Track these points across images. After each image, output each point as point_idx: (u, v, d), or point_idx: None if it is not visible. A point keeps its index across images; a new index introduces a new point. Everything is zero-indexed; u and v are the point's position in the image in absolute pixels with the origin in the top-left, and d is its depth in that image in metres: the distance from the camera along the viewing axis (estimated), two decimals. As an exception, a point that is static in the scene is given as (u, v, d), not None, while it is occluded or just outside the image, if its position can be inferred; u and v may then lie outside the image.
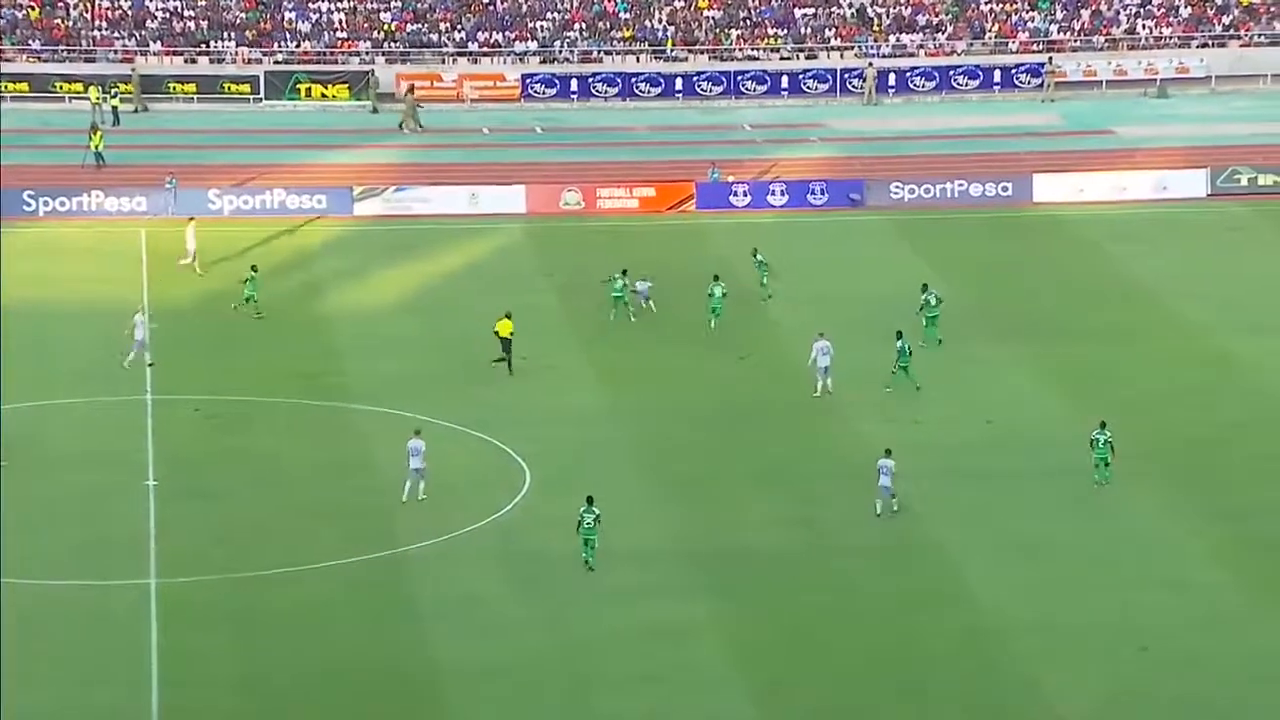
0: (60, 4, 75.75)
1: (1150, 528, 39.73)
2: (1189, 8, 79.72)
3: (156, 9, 76.35)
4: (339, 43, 76.72)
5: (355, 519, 40.33)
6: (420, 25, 77.51)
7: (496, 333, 48.14)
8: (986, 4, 79.74)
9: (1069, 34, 78.90)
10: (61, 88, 72.42)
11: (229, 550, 38.76)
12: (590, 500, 38.01)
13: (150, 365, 47.50)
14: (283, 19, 77.02)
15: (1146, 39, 78.95)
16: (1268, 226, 60.80)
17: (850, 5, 79.38)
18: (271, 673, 34.49)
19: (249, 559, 38.29)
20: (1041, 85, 76.41)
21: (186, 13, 76.51)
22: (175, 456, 43.03)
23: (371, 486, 41.81)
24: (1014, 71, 76.90)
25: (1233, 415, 43.01)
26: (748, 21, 78.57)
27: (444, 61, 76.53)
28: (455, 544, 39.15)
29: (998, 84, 76.69)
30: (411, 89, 71.59)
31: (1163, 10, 79.64)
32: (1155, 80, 77.19)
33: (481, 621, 36.11)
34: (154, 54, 75.03)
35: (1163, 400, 46.12)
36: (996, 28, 78.93)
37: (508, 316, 48.35)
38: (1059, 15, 79.45)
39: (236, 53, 75.66)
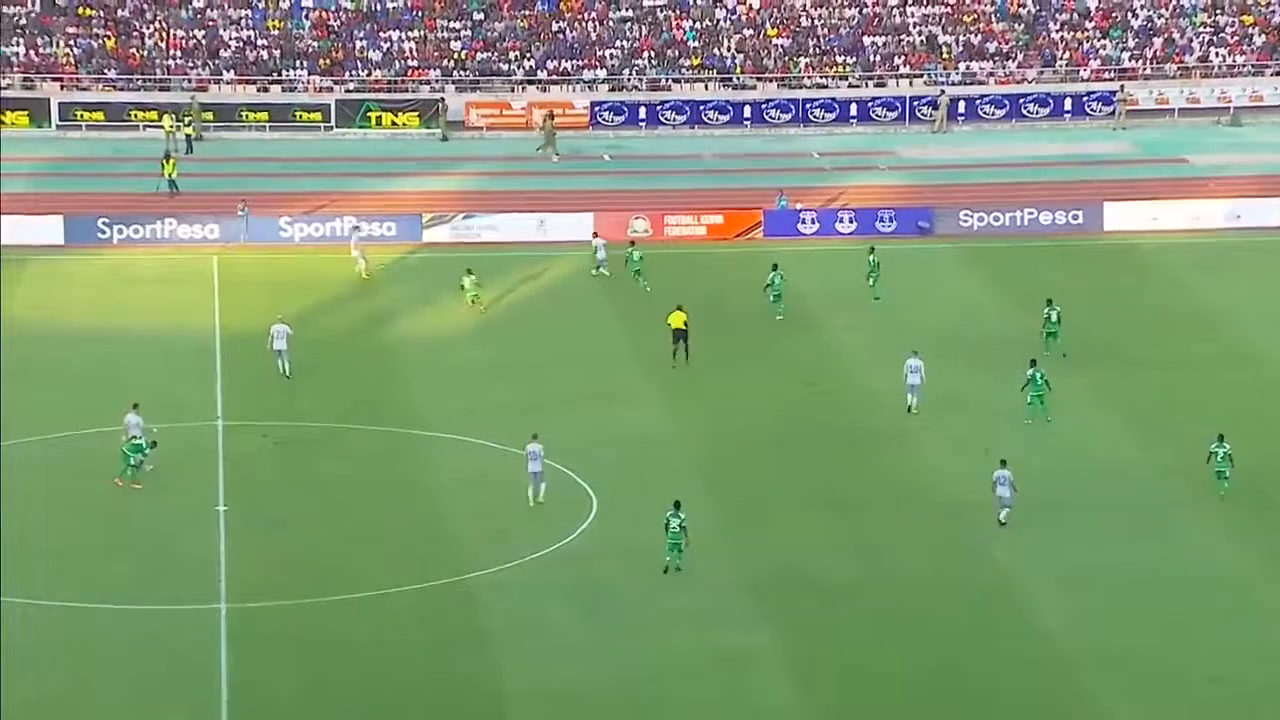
0: (136, 34, 76.73)
1: (1221, 558, 39.30)
2: (1263, 36, 79.07)
3: (230, 38, 77.20)
4: (409, 71, 77.29)
5: (422, 545, 40.47)
6: (490, 54, 77.97)
7: (669, 324, 49.71)
8: (1057, 32, 79.41)
9: (1141, 62, 78.44)
10: (136, 116, 73.29)
11: (297, 577, 38.97)
12: (677, 505, 38.25)
13: (288, 377, 48.34)
14: (354, 48, 77.69)
15: (1220, 67, 78.37)
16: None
17: (920, 33, 79.26)
18: (338, 700, 34.62)
19: (317, 585, 38.48)
20: (1113, 113, 75.96)
21: (259, 42, 77.31)
22: (245, 483, 43.33)
23: (437, 512, 41.95)
24: (1085, 99, 76.50)
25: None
26: (817, 49, 78.58)
27: (513, 90, 76.95)
28: (521, 571, 39.20)
29: (1068, 112, 76.30)
30: (550, 115, 72.13)
31: (1236, 38, 79.03)
32: (1229, 108, 76.58)
33: (547, 648, 36.13)
34: (227, 83, 75.85)
35: (1234, 430, 45.61)
36: (1068, 55, 78.57)
37: (679, 309, 49.79)
38: (1131, 43, 79.00)
39: (308, 81, 76.34)
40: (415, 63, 77.54)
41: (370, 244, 61.49)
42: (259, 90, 75.97)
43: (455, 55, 77.72)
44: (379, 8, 78.81)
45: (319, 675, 35.29)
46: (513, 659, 35.70)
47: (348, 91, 76.08)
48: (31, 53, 75.04)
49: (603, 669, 35.32)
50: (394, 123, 74.78)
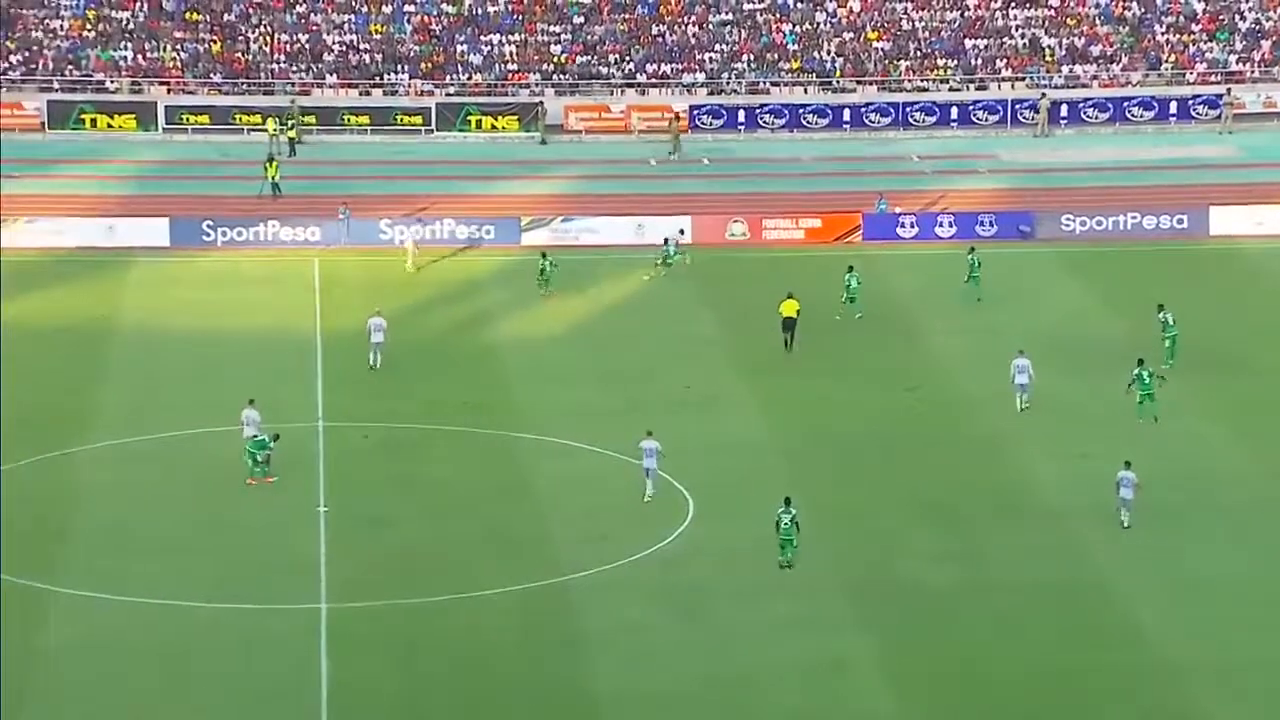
0: (241, 38, 77.64)
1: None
2: (1373, 36, 77.78)
3: (333, 42, 77.93)
4: (509, 75, 77.66)
5: (521, 547, 40.63)
6: (589, 57, 78.18)
7: (781, 313, 50.64)
8: (1163, 34, 78.47)
9: (1248, 65, 77.32)
10: (240, 120, 74.12)
11: (397, 577, 39.23)
12: (788, 501, 38.22)
13: (376, 369, 49.33)
14: (455, 51, 78.17)
15: (1329, 69, 77.17)
16: None
17: (1022, 36, 78.59)
18: (437, 700, 34.82)
19: (417, 586, 38.73)
20: (1219, 117, 74.95)
21: (362, 46, 77.98)
22: (346, 483, 43.69)
23: (537, 514, 42.10)
24: (1190, 102, 75.54)
25: None
26: (918, 53, 78.14)
27: (612, 93, 77.10)
28: (619, 573, 39.26)
29: (1173, 115, 75.38)
30: (677, 117, 72.60)
31: (1346, 39, 77.79)
32: (1338, 111, 75.37)
33: (643, 651, 36.16)
34: (329, 86, 76.56)
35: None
36: (1173, 58, 77.61)
37: (791, 296, 50.85)
38: (1238, 46, 77.91)
39: (409, 85, 76.91)
40: (515, 66, 77.88)
41: (470, 245, 61.89)
42: (361, 94, 76.60)
43: (555, 59, 77.99)
44: (480, 11, 79.24)
45: (418, 675, 35.50)
46: (608, 661, 35.76)
47: (448, 95, 76.54)
48: (139, 57, 76.12)
49: (698, 672, 35.30)
50: (493, 126, 75.14)
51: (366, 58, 77.65)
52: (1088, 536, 40.10)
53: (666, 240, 59.07)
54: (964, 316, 54.37)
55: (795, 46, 78.41)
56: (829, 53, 78.23)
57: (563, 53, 78.10)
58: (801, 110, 75.76)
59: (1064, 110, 75.35)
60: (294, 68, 76.95)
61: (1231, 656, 35.09)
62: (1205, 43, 78.13)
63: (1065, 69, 77.40)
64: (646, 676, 35.29)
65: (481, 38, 78.58)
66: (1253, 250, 60.64)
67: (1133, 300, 55.18)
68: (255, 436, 43.40)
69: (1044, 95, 75.31)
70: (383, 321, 50.44)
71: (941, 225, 62.98)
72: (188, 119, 74.10)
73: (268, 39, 77.58)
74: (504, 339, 53.85)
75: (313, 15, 78.35)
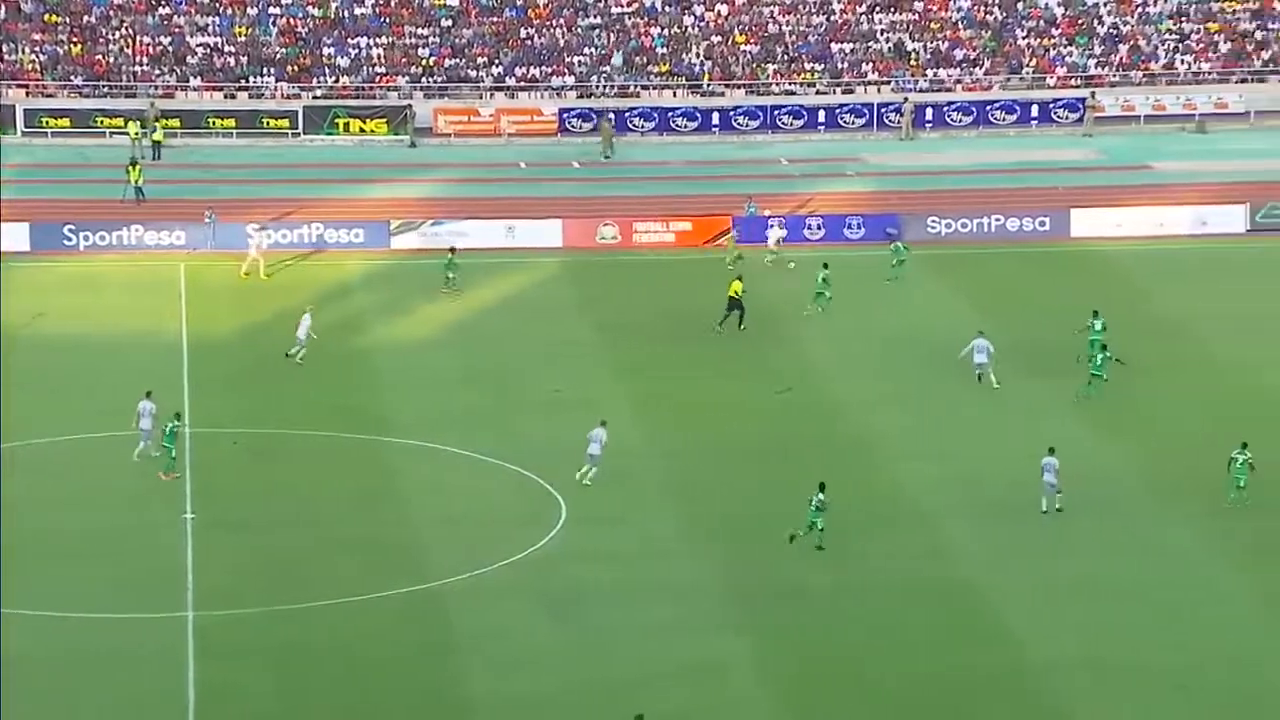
0: (102, 40, 76.39)
1: (1190, 565, 39.41)
2: (1228, 43, 79.51)
3: (197, 45, 76.94)
4: (377, 78, 77.15)
5: (392, 551, 40.34)
6: (458, 60, 77.89)
7: (729, 293, 52.23)
8: (1024, 39, 79.71)
9: (1107, 69, 78.77)
10: (102, 123, 72.95)
11: (266, 584, 38.79)
12: (822, 486, 39.26)
13: (299, 363, 49.76)
14: (322, 54, 77.51)
15: (1185, 74, 78.76)
16: (1308, 262, 60.47)
17: (888, 40, 79.48)
18: (308, 708, 34.46)
19: (286, 592, 38.31)
20: (1080, 120, 76.27)
21: (226, 48, 77.07)
22: (213, 489, 43.13)
23: (408, 519, 41.83)
24: (1051, 106, 76.80)
25: (1274, 453, 42.62)
26: (785, 56, 78.73)
27: (481, 96, 76.88)
28: (491, 578, 39.11)
29: (1035, 119, 76.59)
30: (609, 119, 72.54)
31: (1201, 46, 79.46)
32: (1194, 115, 76.96)
33: (518, 656, 36.04)
34: (194, 89, 75.58)
35: (1203, 437, 45.80)
36: (1034, 63, 78.86)
37: (739, 279, 52.17)
38: (1097, 50, 79.35)
39: (276, 88, 76.15)
40: (383, 69, 77.40)
41: (339, 250, 61.41)
42: (226, 97, 75.74)
43: (423, 62, 77.62)
44: (347, 14, 78.66)
45: (288, 683, 35.12)
46: (481, 666, 35.61)
47: (315, 98, 75.91)
48: (-4, 58, 74.71)
49: (573, 676, 35.24)
50: (362, 129, 74.64)
51: (231, 60, 76.75)
52: (960, 537, 40.57)
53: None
54: (833, 319, 54.85)
55: (664, 50, 78.69)
56: (697, 56, 78.60)
57: (431, 56, 77.75)
58: (671, 114, 76.03)
59: (929, 114, 76.30)
60: (157, 70, 75.87)
61: (1102, 655, 35.60)
62: (1065, 47, 79.49)
63: (930, 73, 78.38)
64: (521, 681, 35.18)
65: (349, 40, 77.99)
66: (1112, 251, 61.74)
67: (998, 302, 55.94)
68: (171, 427, 42.94)
69: (907, 99, 76.20)
70: (309, 319, 50.67)
71: (810, 228, 63.48)
72: (47, 122, 72.81)
73: (129, 41, 76.43)
74: (374, 343, 53.46)
75: (175, 17, 77.31)
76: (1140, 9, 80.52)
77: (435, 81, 77.13)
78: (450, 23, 78.99)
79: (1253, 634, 36.39)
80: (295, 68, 76.71)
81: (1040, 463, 41.28)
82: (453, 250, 57.93)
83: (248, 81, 76.14)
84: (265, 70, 76.50)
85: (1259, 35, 79.66)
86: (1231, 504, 41.17)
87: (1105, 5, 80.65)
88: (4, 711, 33.73)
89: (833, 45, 79.11)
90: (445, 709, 34.35)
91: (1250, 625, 36.72)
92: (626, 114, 75.65)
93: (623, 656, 35.92)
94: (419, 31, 78.61)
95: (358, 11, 78.76)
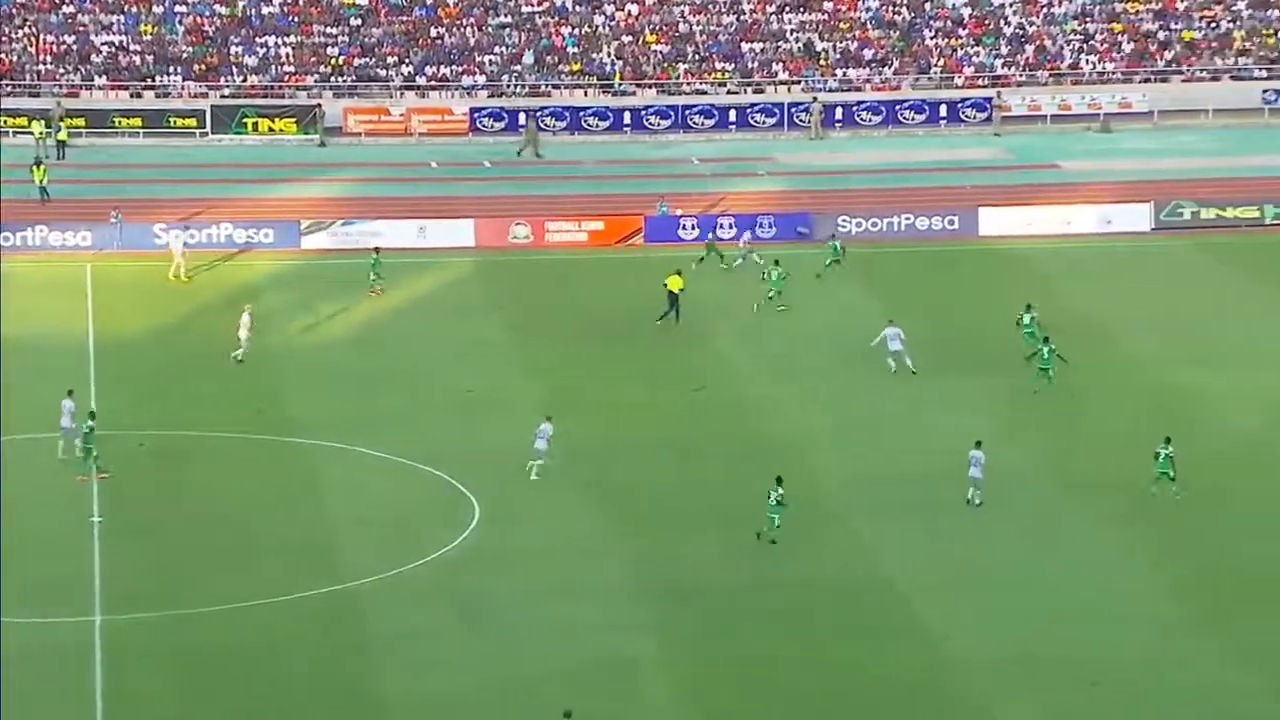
0: (5, 38, 75.34)
1: (1102, 561, 39.80)
2: (1131, 43, 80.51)
3: (102, 43, 76.07)
4: (286, 77, 76.60)
5: (303, 553, 40.07)
6: (368, 59, 77.49)
7: (666, 287, 52.54)
8: (932, 39, 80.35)
9: (1014, 69, 79.54)
10: (5, 122, 71.95)
11: (176, 587, 38.41)
12: (779, 480, 39.29)
13: (239, 362, 49.87)
14: (229, 53, 76.86)
15: (1090, 74, 79.67)
16: (1210, 260, 61.31)
17: (797, 40, 79.85)
18: (219, 711, 34.17)
19: (196, 595, 37.96)
20: (988, 119, 76.97)
21: (132, 47, 76.26)
22: (121, 492, 42.65)
23: (319, 520, 41.57)
24: (959, 106, 77.46)
25: (1178, 449, 43.16)
26: (695, 56, 78.91)
27: (392, 95, 76.54)
28: (403, 579, 38.93)
29: (944, 118, 77.21)
30: (533, 117, 72.64)
31: (1106, 46, 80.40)
32: (1099, 115, 77.85)
33: (430, 657, 35.90)
34: (99, 88, 74.73)
35: (1110, 433, 46.33)
36: (942, 63, 79.50)
37: (678, 273, 52.63)
38: (1004, 50, 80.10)
39: (182, 87, 75.43)
40: (292, 68, 76.86)
41: (248, 249, 60.92)
42: (132, 96, 74.96)
43: (332, 61, 77.14)
44: (254, 13, 78.05)
45: (198, 686, 34.80)
46: (395, 667, 35.44)
47: (223, 97, 75.28)
48: (-104, 57, 73.53)
49: (485, 676, 35.16)
50: (270, 129, 74.10)
51: (137, 59, 75.95)
52: (873, 534, 40.79)
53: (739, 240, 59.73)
54: (746, 318, 55.03)
55: (575, 49, 78.67)
56: (608, 55, 78.64)
57: (340, 55, 77.29)
58: (582, 113, 76.02)
59: (838, 113, 76.73)
60: (61, 69, 74.94)
61: (1015, 651, 35.86)
62: (972, 47, 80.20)
63: (839, 73, 78.83)
64: (434, 681, 35.06)
65: (256, 39, 77.39)
66: (1021, 250, 62.33)
67: (908, 300, 56.32)
68: (86, 429, 42.41)
69: (815, 99, 76.59)
70: (248, 319, 50.44)
71: (722, 227, 63.67)
72: (-51, 121, 71.84)
73: (33, 39, 75.42)
74: (284, 343, 53.07)
75: (80, 15, 76.40)
76: (1045, 10, 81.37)
77: (345, 81, 76.68)
78: (359, 22, 78.57)
79: (1164, 629, 36.80)
80: (202, 67, 76.03)
81: (967, 455, 41.55)
82: (377, 251, 57.55)
83: (154, 80, 75.37)
84: (172, 69, 75.75)
85: (1161, 35, 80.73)
86: (1153, 496, 41.58)
87: (1011, 6, 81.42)
88: (4, 712, 33.33)
89: (743, 45, 79.39)
90: (359, 710, 34.15)
91: (1162, 620, 37.13)
92: (538, 113, 75.53)
93: (534, 655, 35.87)
94: (328, 31, 78.14)
95: (265, 10, 78.16)
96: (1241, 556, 39.59)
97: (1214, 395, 48.44)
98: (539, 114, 75.39)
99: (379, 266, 56.62)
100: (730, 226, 63.69)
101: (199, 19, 77.55)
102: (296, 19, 78.15)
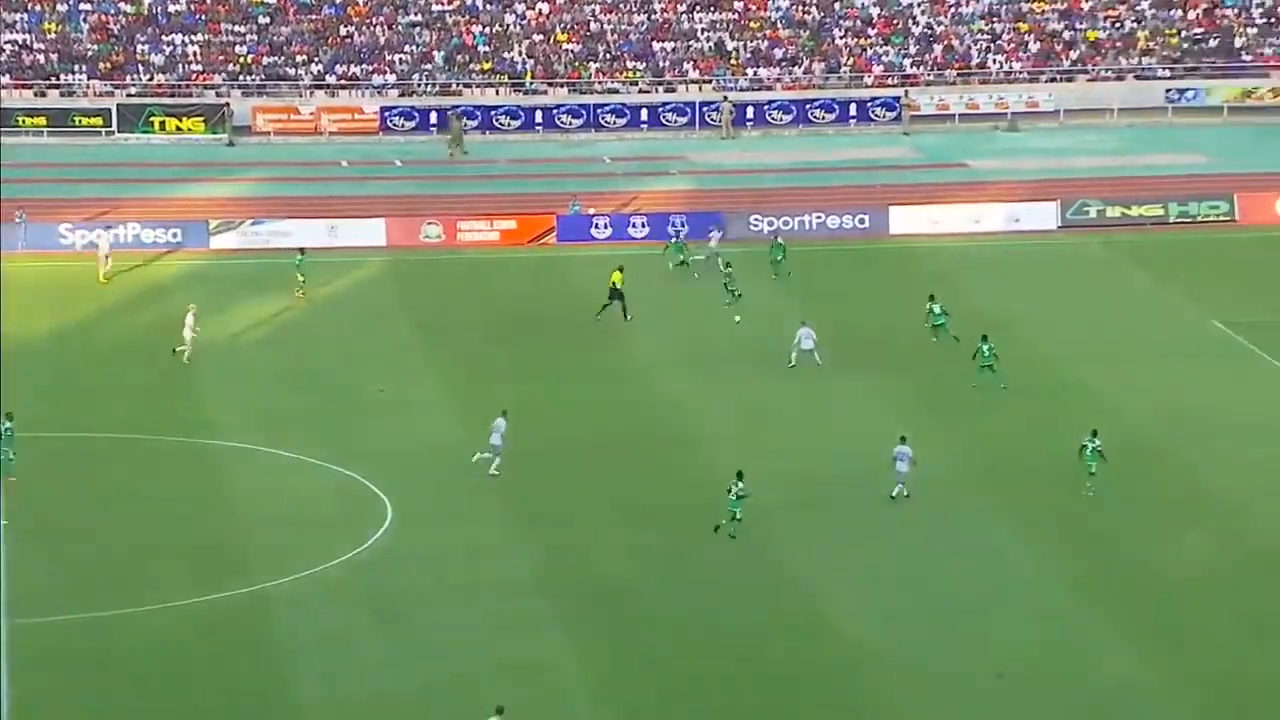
0: (-94, 35, 74.30)
1: (1005, 556, 40.23)
2: (1038, 43, 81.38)
3: (4, 41, 75.08)
4: (193, 75, 75.97)
5: (214, 555, 39.79)
6: (277, 58, 76.99)
7: (611, 282, 53.07)
8: (841, 38, 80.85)
9: (922, 68, 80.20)
10: (-92, 121, 71.03)
11: (84, 590, 38.05)
12: (740, 475, 39.20)
13: (186, 362, 49.82)
14: (135, 51, 76.12)
15: (997, 74, 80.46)
16: (1115, 258, 62.11)
17: (708, 39, 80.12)
18: (125, 716, 33.86)
19: (105, 599, 37.61)
20: (898, 118, 77.58)
21: (36, 45, 75.33)
22: (28, 495, 42.15)
23: (230, 522, 41.29)
24: (869, 105, 78.00)
25: (1080, 444, 43.70)
26: (607, 55, 79.00)
27: (301, 94, 76.09)
28: (316, 580, 38.75)
29: (854, 117, 77.73)
30: (459, 115, 72.36)
31: (1012, 45, 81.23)
32: (1006, 114, 78.65)
33: (343, 658, 35.76)
34: (3, 87, 73.77)
35: (1016, 430, 46.82)
36: (852, 62, 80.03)
37: (620, 270, 52.86)
38: (912, 50, 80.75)
39: (88, 85, 74.62)
40: (199, 67, 76.22)
41: (156, 250, 60.39)
42: (36, 95, 74.08)
43: (241, 59, 76.58)
44: (160, 11, 77.37)
45: (107, 691, 34.48)
46: (307, 670, 35.27)
47: (129, 96, 74.56)
48: None
49: (400, 678, 35.06)
50: (178, 128, 73.49)
51: (41, 57, 75.04)
52: (781, 531, 41.00)
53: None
54: (658, 317, 55.15)
55: (486, 48, 78.52)
56: (519, 54, 78.56)
57: (248, 53, 76.75)
58: (493, 112, 75.90)
59: (750, 112, 77.06)
60: (-36, 66, 73.97)
61: (921, 646, 36.19)
62: (881, 46, 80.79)
63: (750, 72, 79.16)
64: (348, 683, 34.92)
65: (163, 38, 76.68)
66: (929, 248, 62.85)
67: (820, 299, 56.64)
68: (6, 431, 41.96)
69: (726, 98, 76.89)
70: (192, 318, 50.25)
71: (634, 226, 63.77)
72: None
73: (-65, 37, 74.43)
74: (194, 344, 52.61)
75: (-17, 13, 75.49)
76: (953, 9, 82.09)
77: (253, 80, 76.14)
78: (268, 20, 78.06)
79: (1067, 622, 37.26)
80: (108, 65, 75.25)
81: (875, 453, 41.87)
82: (302, 251, 57.08)
83: (59, 79, 74.50)
84: (77, 68, 74.92)
85: (1067, 35, 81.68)
86: (1087, 492, 42.09)
87: (919, 5, 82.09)
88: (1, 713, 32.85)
89: (654, 44, 79.54)
90: (271, 714, 33.95)
91: (1064, 613, 37.59)
92: (447, 112, 75.33)
93: (448, 656, 35.83)
94: (236, 29, 77.57)
95: (171, 9, 77.49)
96: (1139, 551, 40.15)
97: (1117, 392, 49.07)
98: (446, 113, 75.18)
99: (304, 267, 56.04)
100: (644, 225, 63.75)
101: (104, 17, 76.76)
102: (203, 17, 77.53)
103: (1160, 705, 34.22)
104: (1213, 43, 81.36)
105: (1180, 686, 34.69)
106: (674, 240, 59.93)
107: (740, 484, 40.05)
